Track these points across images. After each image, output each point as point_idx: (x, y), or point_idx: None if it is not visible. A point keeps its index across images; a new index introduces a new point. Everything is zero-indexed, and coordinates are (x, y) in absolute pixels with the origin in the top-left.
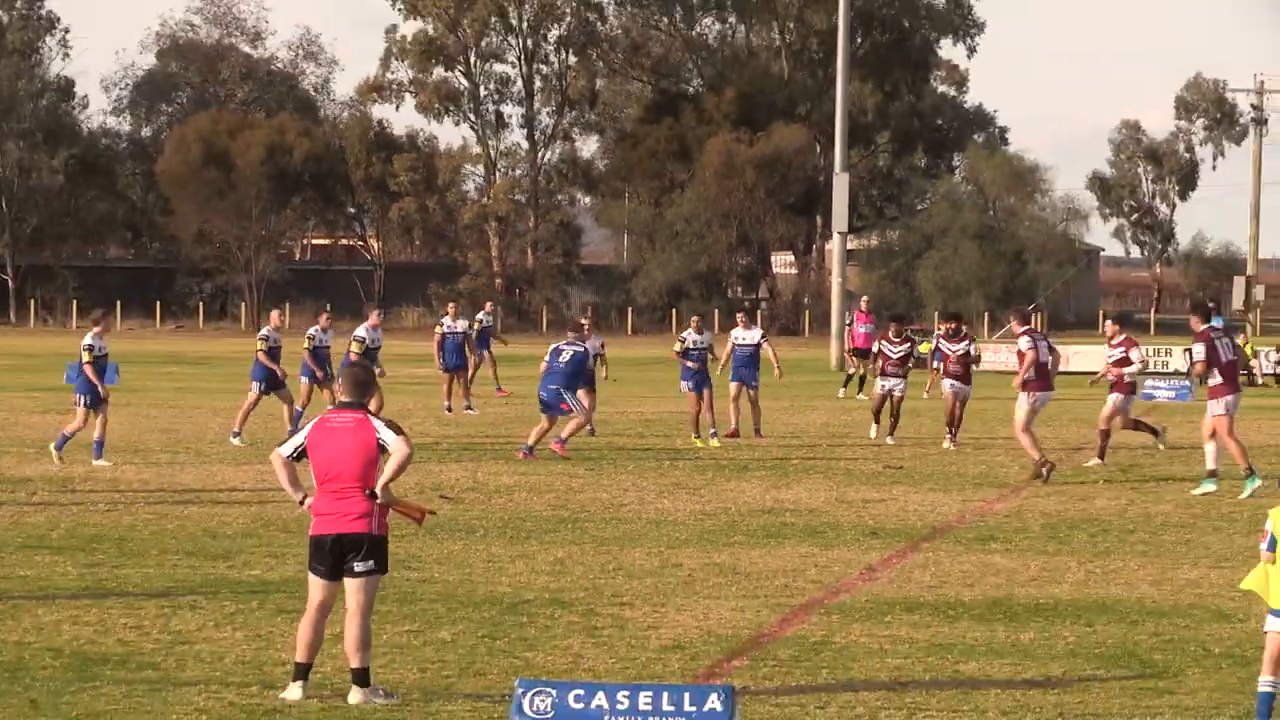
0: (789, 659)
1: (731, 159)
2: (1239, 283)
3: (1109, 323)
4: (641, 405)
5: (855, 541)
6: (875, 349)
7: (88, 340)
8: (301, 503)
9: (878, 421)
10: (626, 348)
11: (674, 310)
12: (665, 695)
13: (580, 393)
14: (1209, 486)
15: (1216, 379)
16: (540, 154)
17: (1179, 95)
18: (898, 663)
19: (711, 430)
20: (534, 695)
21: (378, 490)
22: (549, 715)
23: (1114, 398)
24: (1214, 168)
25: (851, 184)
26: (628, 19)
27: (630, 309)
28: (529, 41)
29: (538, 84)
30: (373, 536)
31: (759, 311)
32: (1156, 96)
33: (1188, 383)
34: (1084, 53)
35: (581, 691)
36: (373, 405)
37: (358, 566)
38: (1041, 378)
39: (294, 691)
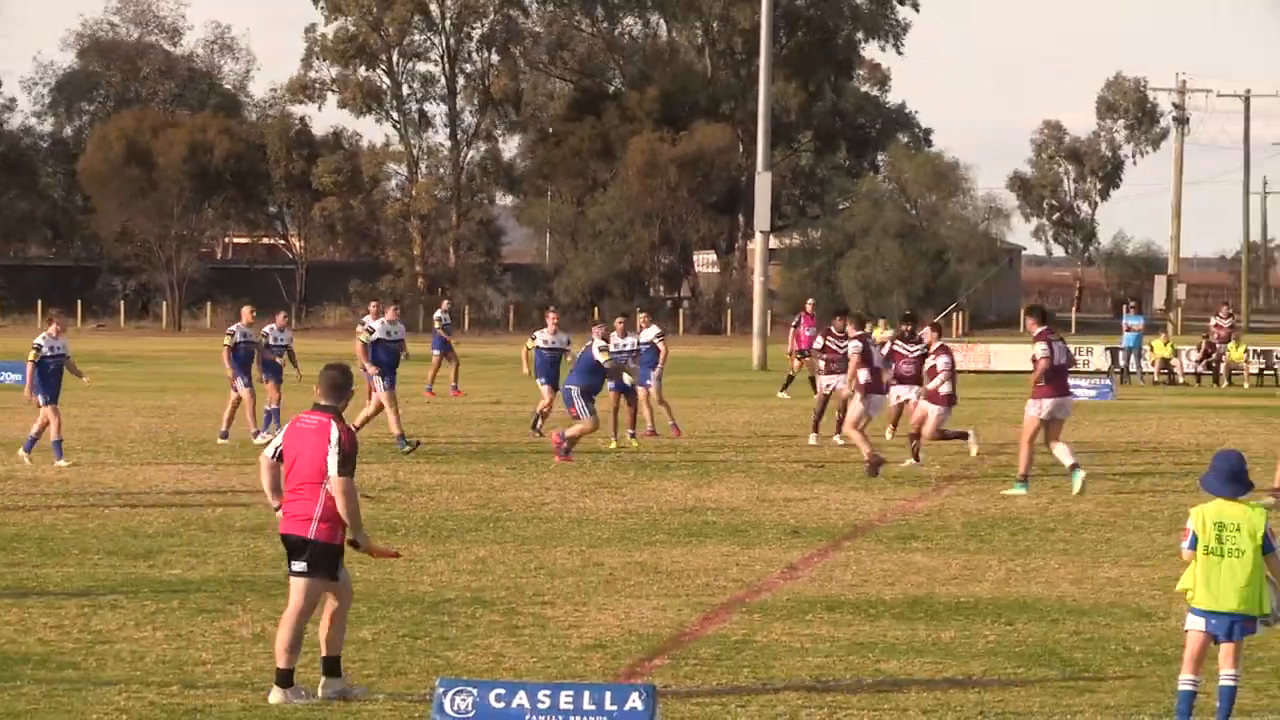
0: (710, 658)
1: (654, 158)
2: (1160, 282)
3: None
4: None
5: (777, 540)
6: (819, 345)
7: (38, 339)
8: (277, 510)
9: (817, 430)
10: None
11: (596, 309)
12: (586, 694)
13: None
14: (1077, 480)
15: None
16: (463, 152)
17: (1100, 95)
18: (819, 661)
19: (630, 430)
20: (455, 694)
21: (359, 540)
22: (470, 714)
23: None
24: (1135, 166)
25: (774, 183)
26: (550, 18)
27: (552, 308)
28: (452, 40)
29: (460, 82)
30: (311, 542)
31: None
32: (1079, 96)
33: (1109, 381)
34: (1007, 53)
35: (503, 691)
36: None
37: (294, 567)
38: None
39: (273, 695)
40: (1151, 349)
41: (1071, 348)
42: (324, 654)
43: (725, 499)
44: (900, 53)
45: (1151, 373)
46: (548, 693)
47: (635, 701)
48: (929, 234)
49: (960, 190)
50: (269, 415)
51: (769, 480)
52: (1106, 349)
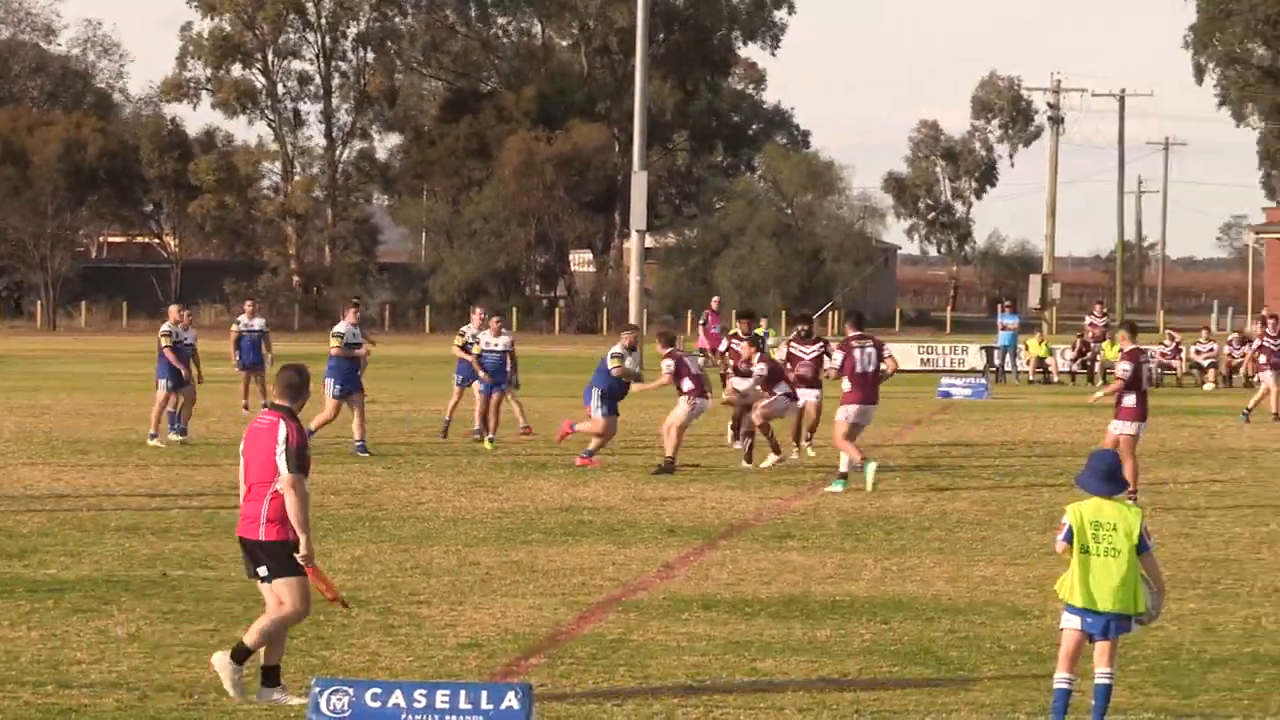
0: (586, 657)
1: (530, 157)
2: (1035, 281)
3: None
4: (439, 403)
5: (653, 539)
6: (724, 347)
7: None
8: None
9: (735, 432)
10: (424, 346)
11: (472, 308)
12: (463, 693)
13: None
14: (836, 487)
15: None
16: (338, 151)
17: (975, 95)
18: (695, 660)
19: (490, 435)
20: (331, 694)
21: (300, 545)
22: (346, 714)
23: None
24: (1011, 166)
25: (650, 182)
26: (425, 17)
27: (428, 307)
28: (327, 39)
29: (336, 81)
30: (263, 543)
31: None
32: (956, 96)
33: (984, 380)
34: (885, 53)
35: (379, 690)
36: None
37: (259, 572)
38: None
39: (268, 695)
40: (1027, 348)
41: (945, 346)
42: (264, 663)
43: (601, 498)
44: (775, 55)
45: (1026, 372)
46: (424, 692)
47: (511, 701)
48: (805, 233)
49: (836, 190)
50: (173, 418)
51: (645, 479)
52: (982, 348)
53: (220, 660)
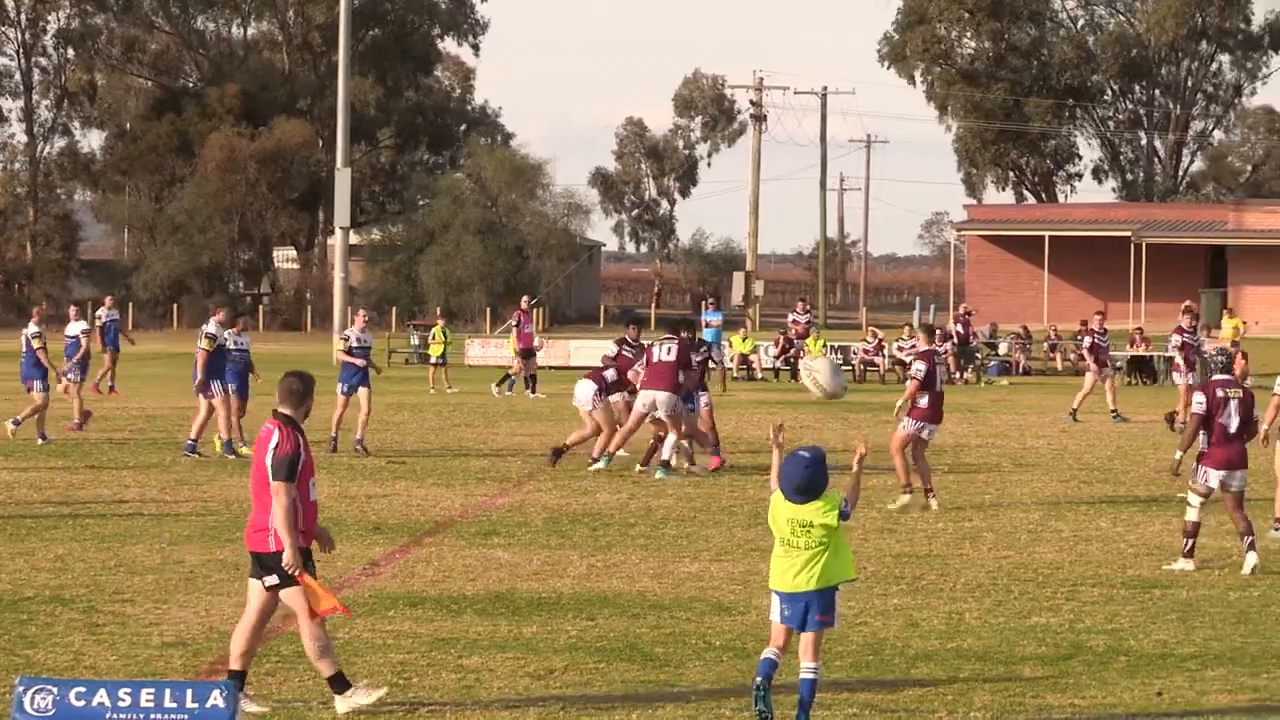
0: (292, 654)
1: (234, 154)
2: (738, 278)
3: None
4: (144, 400)
5: (358, 537)
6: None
7: None
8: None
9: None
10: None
11: (175, 305)
12: (168, 692)
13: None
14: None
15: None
16: (40, 147)
17: (679, 92)
18: (401, 657)
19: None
20: (35, 693)
21: (284, 553)
22: (50, 713)
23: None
24: (713, 164)
25: (354, 179)
26: (126, 16)
27: (131, 304)
28: (27, 34)
29: (36, 77)
30: (275, 554)
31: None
32: (662, 94)
33: None
34: (594, 50)
35: (83, 689)
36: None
37: (267, 582)
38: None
39: (338, 704)
40: (731, 345)
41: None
42: (233, 666)
43: None
44: (478, 53)
45: (730, 368)
46: (129, 690)
47: (217, 699)
48: (509, 230)
49: (540, 186)
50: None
51: (350, 477)
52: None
53: (340, 705)
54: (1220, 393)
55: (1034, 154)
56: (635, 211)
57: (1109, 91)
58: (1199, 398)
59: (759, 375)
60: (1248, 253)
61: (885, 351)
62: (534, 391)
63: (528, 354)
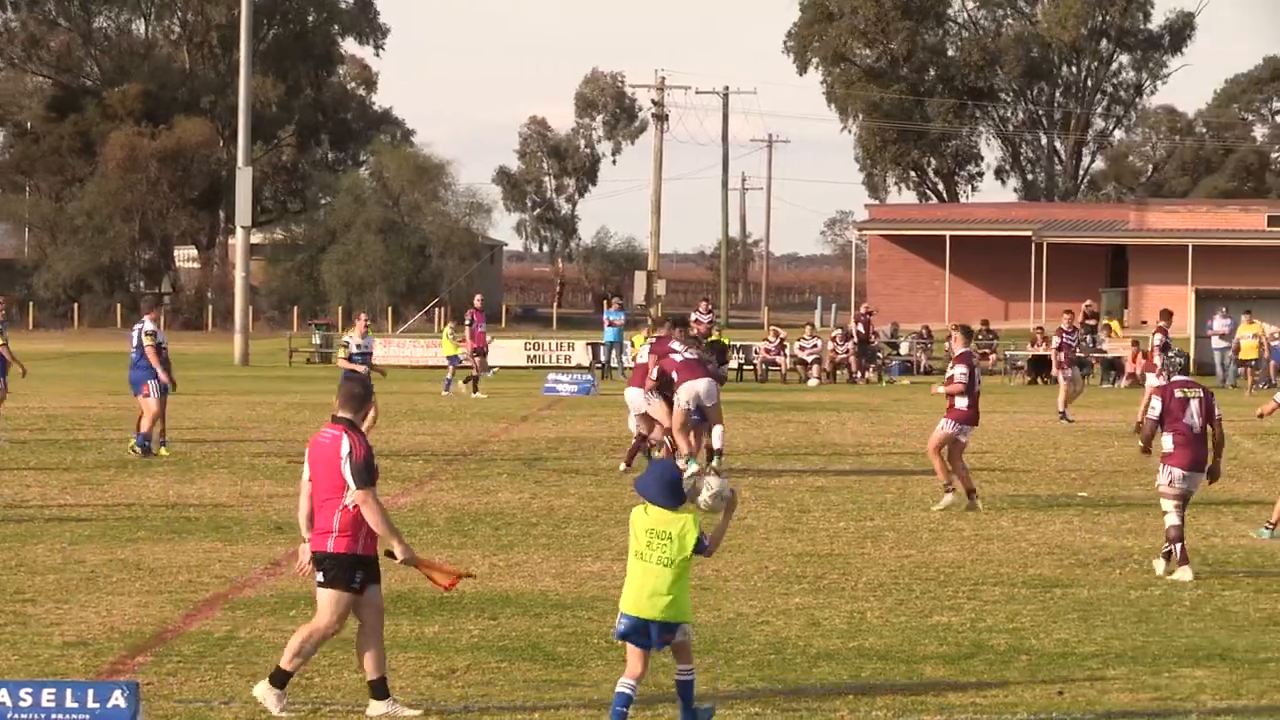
0: (194, 654)
1: (134, 153)
2: (640, 277)
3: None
4: (44, 400)
5: (260, 536)
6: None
7: None
8: (305, 543)
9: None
10: (29, 342)
11: (76, 304)
12: (69, 692)
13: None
14: None
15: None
16: None
17: (579, 91)
18: None
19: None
20: None
21: (395, 550)
22: None
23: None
24: (615, 163)
25: (255, 178)
26: (25, 12)
27: (32, 303)
28: None
29: None
30: (331, 555)
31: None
32: (563, 92)
33: (590, 377)
34: (497, 49)
35: None
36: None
37: (317, 578)
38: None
39: (257, 689)
40: (633, 344)
41: (552, 343)
42: (369, 678)
43: (208, 495)
44: (379, 53)
45: (631, 368)
46: (29, 690)
47: (118, 699)
48: (411, 229)
49: (442, 185)
50: None
51: (252, 476)
52: (588, 344)
53: (373, 710)
54: (1179, 394)
55: (935, 154)
56: (537, 211)
57: (1010, 92)
58: (1155, 401)
59: None
60: (1148, 252)
61: (787, 351)
62: (464, 384)
63: (479, 353)
